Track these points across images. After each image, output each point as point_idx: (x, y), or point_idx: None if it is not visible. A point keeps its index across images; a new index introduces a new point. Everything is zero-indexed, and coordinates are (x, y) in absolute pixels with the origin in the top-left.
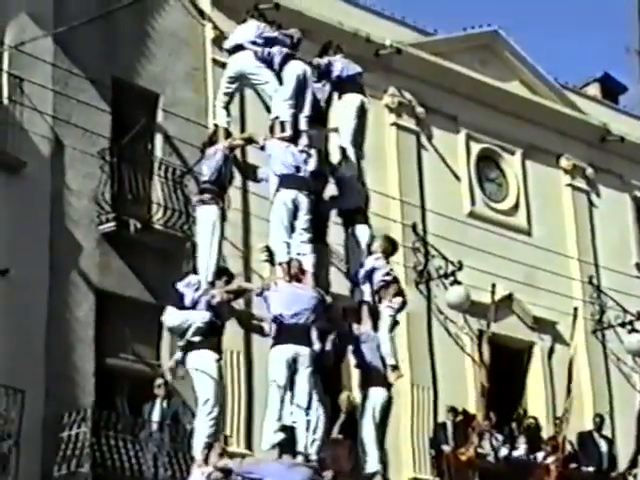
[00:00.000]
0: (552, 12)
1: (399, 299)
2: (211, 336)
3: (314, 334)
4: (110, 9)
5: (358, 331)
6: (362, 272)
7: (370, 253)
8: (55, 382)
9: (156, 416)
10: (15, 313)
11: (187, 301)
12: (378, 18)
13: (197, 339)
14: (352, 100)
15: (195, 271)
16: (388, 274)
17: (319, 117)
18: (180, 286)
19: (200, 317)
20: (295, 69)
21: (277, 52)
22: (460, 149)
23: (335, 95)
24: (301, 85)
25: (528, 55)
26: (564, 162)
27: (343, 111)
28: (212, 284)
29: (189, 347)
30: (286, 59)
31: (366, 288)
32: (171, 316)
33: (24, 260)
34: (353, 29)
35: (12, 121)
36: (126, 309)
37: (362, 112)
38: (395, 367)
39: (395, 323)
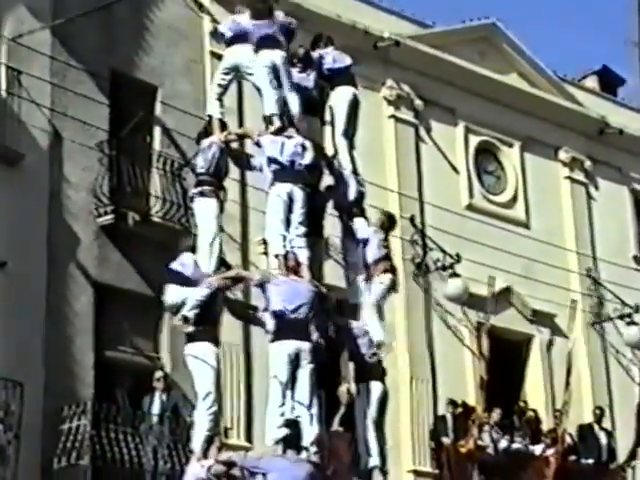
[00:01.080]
0: (550, 4)
1: (388, 276)
2: (209, 325)
3: (312, 327)
4: (108, 2)
5: (352, 325)
6: (358, 249)
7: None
8: (54, 375)
9: (156, 409)
10: (13, 306)
11: (187, 273)
12: (376, 10)
13: (192, 314)
14: (344, 93)
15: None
16: (380, 249)
17: (310, 108)
18: (175, 265)
19: (197, 292)
20: (264, 61)
21: (256, 31)
22: (458, 141)
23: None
24: (276, 74)
25: (526, 47)
26: (562, 155)
27: (335, 104)
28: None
29: (188, 338)
30: (261, 41)
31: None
32: (173, 293)
33: (22, 253)
34: (351, 21)
35: (10, 114)
36: (125, 302)
37: (354, 104)
38: (381, 345)
39: (387, 293)
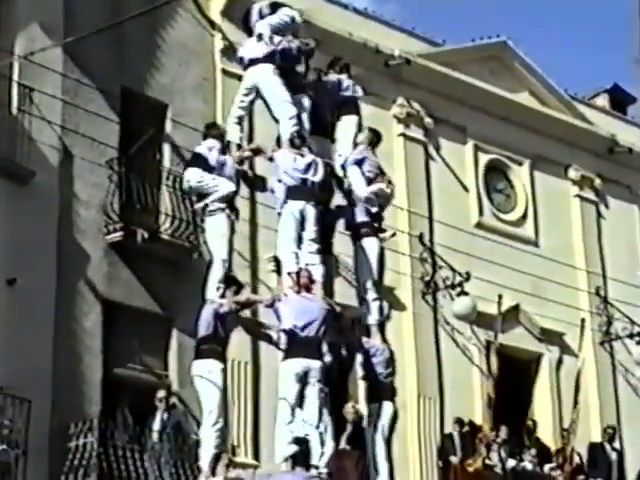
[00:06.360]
0: (561, 23)
1: (378, 185)
2: (216, 343)
3: (325, 347)
4: (120, 19)
5: (368, 344)
6: (351, 160)
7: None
8: (62, 392)
9: (157, 427)
10: (22, 322)
11: (212, 161)
12: (387, 29)
13: (215, 206)
14: (351, 121)
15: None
16: (373, 167)
17: (321, 129)
18: (201, 149)
19: (226, 185)
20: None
21: (292, 45)
22: (468, 160)
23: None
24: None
25: (537, 66)
26: (572, 173)
27: (343, 131)
28: (222, 295)
29: (195, 355)
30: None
31: (357, 176)
32: (195, 175)
33: (31, 270)
34: (362, 39)
35: (21, 131)
36: (133, 319)
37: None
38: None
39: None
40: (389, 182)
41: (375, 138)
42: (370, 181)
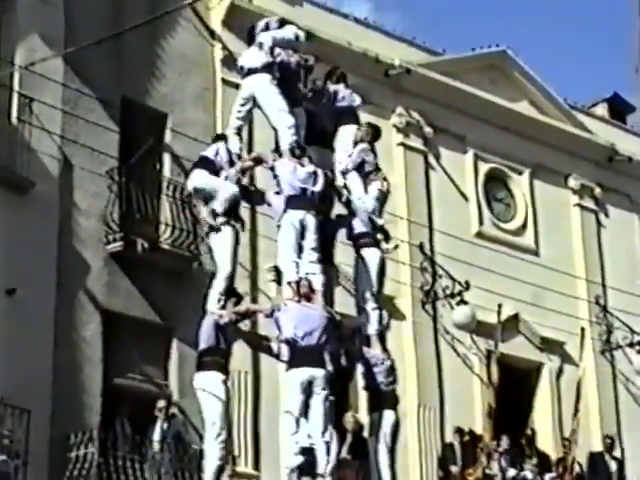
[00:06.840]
0: (561, 32)
1: (377, 184)
2: (218, 356)
3: (327, 355)
4: (120, 30)
5: (368, 354)
6: (351, 166)
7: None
8: (62, 402)
9: (157, 437)
10: (22, 332)
11: (219, 158)
12: (387, 38)
13: (220, 221)
14: (349, 131)
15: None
16: (371, 164)
17: (321, 139)
18: (208, 152)
19: (229, 189)
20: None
21: (291, 60)
22: (468, 169)
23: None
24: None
25: (537, 75)
26: (572, 182)
27: (342, 141)
28: (223, 307)
29: (199, 366)
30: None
31: (358, 183)
32: (199, 178)
33: (31, 280)
34: (362, 49)
35: (21, 141)
36: (133, 329)
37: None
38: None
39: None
40: (384, 179)
41: (374, 132)
42: (366, 178)
